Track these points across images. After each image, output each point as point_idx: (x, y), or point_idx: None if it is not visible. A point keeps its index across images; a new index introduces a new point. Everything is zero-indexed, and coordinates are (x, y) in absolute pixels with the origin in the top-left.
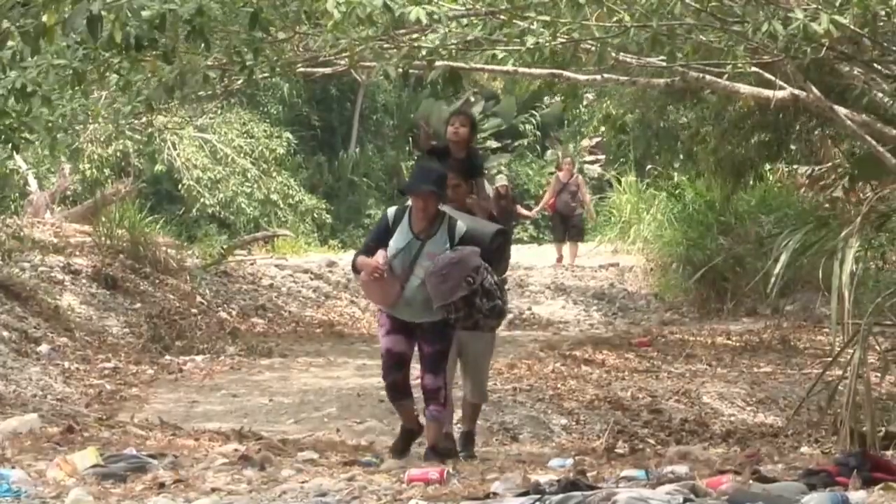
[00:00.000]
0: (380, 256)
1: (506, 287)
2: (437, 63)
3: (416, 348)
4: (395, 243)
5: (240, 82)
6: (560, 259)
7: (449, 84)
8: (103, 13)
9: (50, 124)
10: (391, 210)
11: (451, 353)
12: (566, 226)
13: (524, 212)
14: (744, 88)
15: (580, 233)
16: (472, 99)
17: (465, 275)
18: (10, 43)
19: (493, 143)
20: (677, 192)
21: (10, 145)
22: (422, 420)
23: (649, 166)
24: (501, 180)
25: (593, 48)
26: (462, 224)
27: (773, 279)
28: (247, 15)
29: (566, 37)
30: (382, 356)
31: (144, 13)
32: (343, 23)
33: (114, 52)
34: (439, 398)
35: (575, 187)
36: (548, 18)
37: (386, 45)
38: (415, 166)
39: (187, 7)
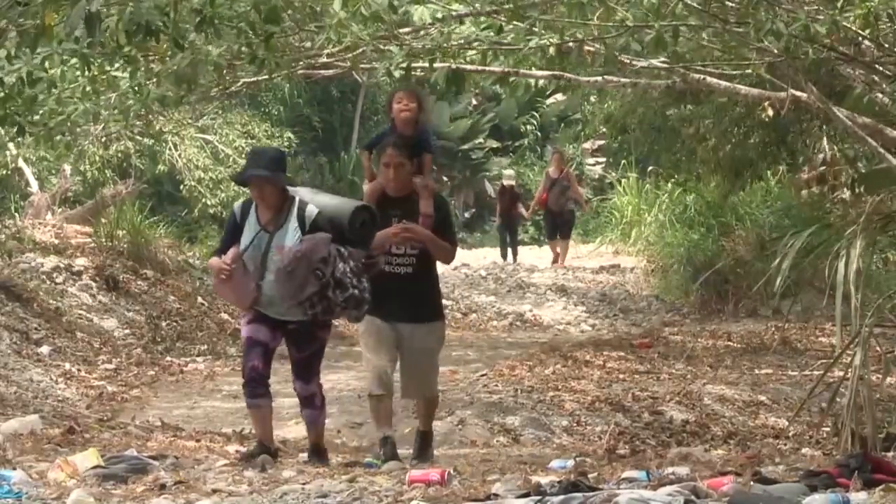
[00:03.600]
0: (229, 256)
1: (369, 269)
2: (438, 63)
3: (280, 343)
4: (244, 239)
5: (239, 84)
6: (556, 260)
7: (451, 84)
8: (105, 12)
9: (53, 120)
10: (237, 204)
11: (388, 349)
12: (557, 224)
13: (522, 211)
14: (744, 90)
15: (569, 229)
16: (475, 101)
17: (312, 268)
18: (10, 37)
19: (493, 143)
20: (678, 193)
21: (15, 128)
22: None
23: (651, 167)
24: (509, 178)
25: (596, 49)
26: (313, 207)
27: (778, 281)
28: (256, 6)
29: (569, 38)
30: (243, 345)
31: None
32: (347, 21)
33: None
34: (314, 403)
35: (566, 183)
36: (550, 17)
37: (388, 47)
38: (249, 151)
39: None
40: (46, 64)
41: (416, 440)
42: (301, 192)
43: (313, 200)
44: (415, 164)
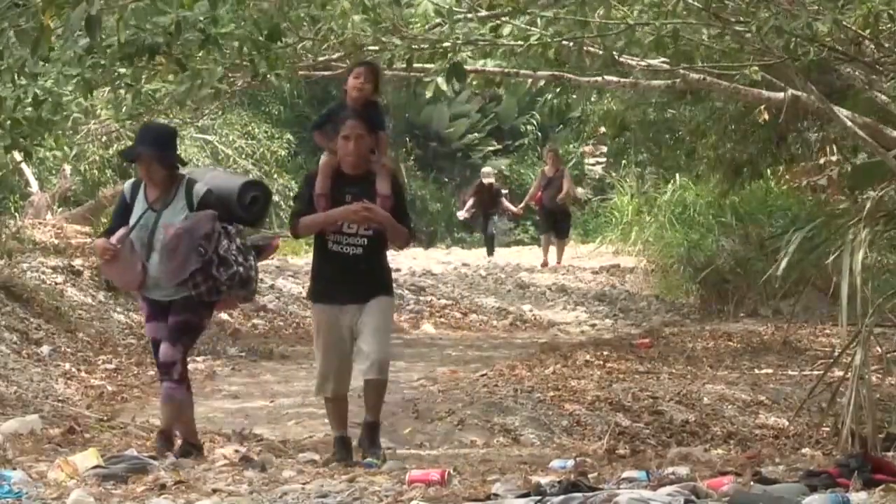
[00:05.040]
0: (116, 236)
1: (256, 250)
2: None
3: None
4: (132, 218)
5: (239, 84)
6: (545, 263)
7: (451, 78)
8: (107, 16)
9: (55, 125)
10: (127, 183)
11: (340, 348)
12: (553, 222)
13: (510, 207)
14: (745, 90)
15: (566, 230)
16: (467, 94)
17: (195, 245)
18: (10, 44)
19: (492, 147)
20: (677, 193)
21: (21, 153)
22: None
23: (649, 168)
24: (487, 176)
25: (596, 49)
26: (202, 185)
27: (779, 273)
28: (257, 22)
29: (569, 37)
30: (150, 343)
31: (160, 19)
32: (350, 10)
33: (125, 61)
34: (173, 373)
35: (561, 181)
36: (550, 14)
37: (392, 39)
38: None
39: (199, 11)
40: (52, 86)
41: (364, 431)
42: (198, 172)
43: (205, 178)
44: (372, 141)
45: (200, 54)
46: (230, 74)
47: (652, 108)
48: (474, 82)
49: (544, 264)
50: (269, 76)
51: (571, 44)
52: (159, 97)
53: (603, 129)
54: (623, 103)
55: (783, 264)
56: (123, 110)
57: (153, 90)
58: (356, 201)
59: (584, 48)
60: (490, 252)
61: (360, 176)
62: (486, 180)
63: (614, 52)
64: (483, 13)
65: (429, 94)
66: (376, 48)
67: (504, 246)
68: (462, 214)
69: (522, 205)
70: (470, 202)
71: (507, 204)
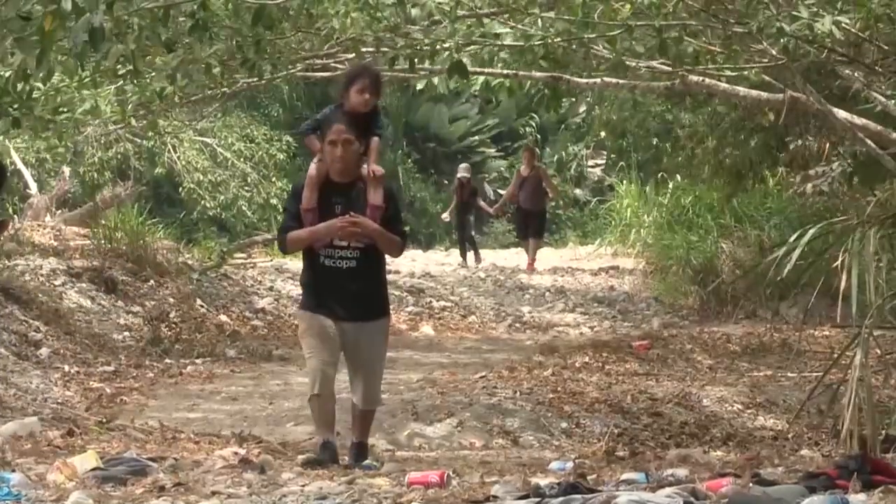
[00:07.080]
0: None
1: None
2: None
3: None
4: None
5: (239, 84)
6: (531, 264)
7: (454, 75)
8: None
9: (45, 107)
10: None
11: (330, 349)
12: (528, 223)
13: (485, 207)
14: (743, 91)
15: (541, 230)
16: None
17: None
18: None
19: (491, 151)
20: (677, 195)
21: (10, 119)
22: None
23: (660, 174)
24: (463, 171)
25: (599, 50)
26: None
27: (785, 279)
28: (249, 10)
29: (572, 37)
30: None
31: (147, 4)
32: (354, 8)
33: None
34: None
35: (536, 180)
36: (552, 14)
37: (393, 38)
38: None
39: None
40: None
41: (352, 451)
42: None
43: None
44: (364, 145)
45: (190, 40)
46: (227, 63)
47: (653, 118)
48: (476, 84)
49: (529, 266)
50: (261, 66)
51: (572, 45)
52: (164, 94)
53: (603, 134)
54: (623, 109)
55: (790, 267)
56: (130, 107)
57: (157, 89)
58: (344, 212)
59: (588, 50)
60: (463, 256)
61: (348, 184)
62: (460, 175)
63: (619, 54)
64: (483, 11)
65: (419, 87)
66: (374, 49)
67: (503, 247)
68: (444, 217)
69: (498, 205)
70: (452, 203)
71: (482, 203)
